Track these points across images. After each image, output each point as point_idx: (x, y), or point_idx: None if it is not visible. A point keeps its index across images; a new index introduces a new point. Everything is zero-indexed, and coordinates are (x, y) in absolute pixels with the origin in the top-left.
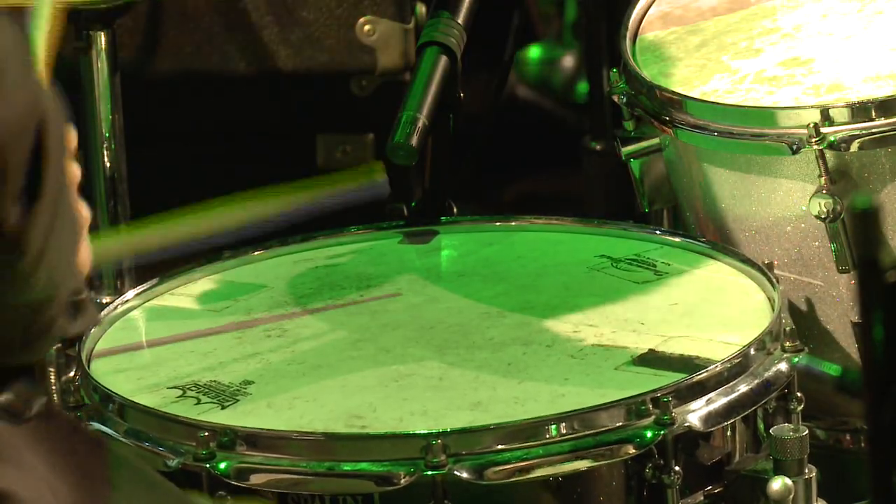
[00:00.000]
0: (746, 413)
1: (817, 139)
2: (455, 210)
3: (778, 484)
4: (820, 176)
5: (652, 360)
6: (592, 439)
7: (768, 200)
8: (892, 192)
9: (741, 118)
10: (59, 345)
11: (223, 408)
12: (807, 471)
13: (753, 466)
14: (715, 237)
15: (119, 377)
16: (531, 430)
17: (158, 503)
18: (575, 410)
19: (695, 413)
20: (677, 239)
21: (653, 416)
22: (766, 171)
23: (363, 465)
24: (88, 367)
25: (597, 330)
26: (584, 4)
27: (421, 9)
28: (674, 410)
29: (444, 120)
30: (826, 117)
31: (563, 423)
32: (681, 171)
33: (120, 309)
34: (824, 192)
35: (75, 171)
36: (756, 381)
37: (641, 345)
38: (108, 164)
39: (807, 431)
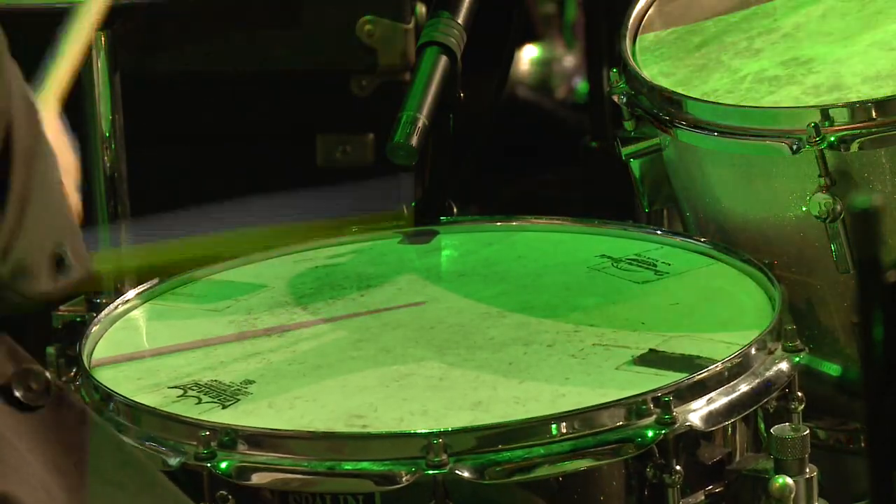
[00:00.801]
0: (747, 413)
1: (817, 139)
2: (455, 210)
3: (779, 483)
4: (820, 176)
5: (653, 359)
6: (593, 439)
7: (768, 200)
8: (892, 192)
9: (741, 118)
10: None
11: (224, 407)
12: (808, 470)
13: (754, 466)
14: (715, 237)
15: (120, 377)
16: (532, 429)
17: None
18: (576, 410)
19: (696, 412)
20: (677, 239)
21: (654, 416)
22: (766, 171)
23: (364, 465)
24: (89, 366)
25: (597, 330)
26: (584, 4)
27: (421, 9)
28: (675, 410)
29: (444, 120)
30: (826, 117)
31: (564, 423)
32: (681, 171)
33: (120, 309)
34: (824, 192)
35: (69, 160)
36: (757, 381)
37: (642, 344)
38: (108, 164)
39: (808, 431)
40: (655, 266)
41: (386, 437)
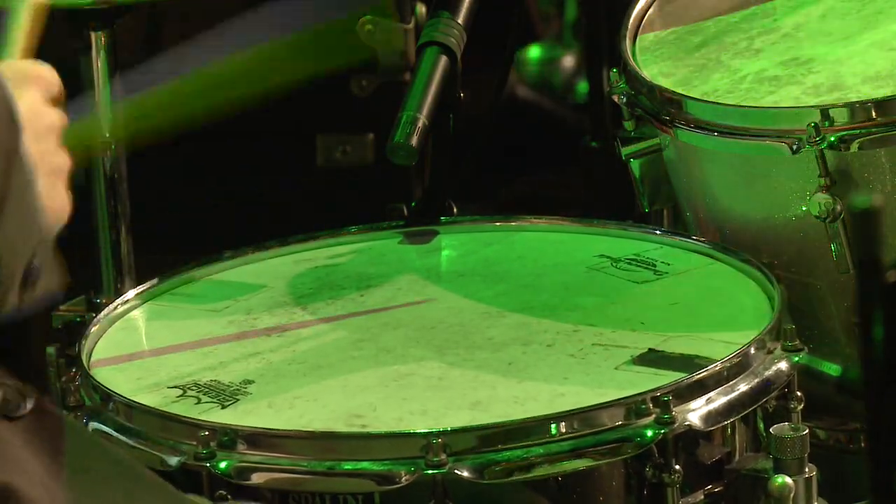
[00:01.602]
0: (746, 412)
1: (817, 139)
2: (455, 210)
3: (778, 483)
4: (820, 176)
5: (652, 359)
6: (592, 438)
7: (768, 200)
8: (893, 192)
9: (741, 118)
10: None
11: (223, 407)
12: (807, 470)
13: (754, 465)
14: (715, 237)
15: (119, 377)
16: (531, 429)
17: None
18: (575, 409)
19: (695, 412)
20: (677, 239)
21: (653, 416)
22: (766, 171)
23: (364, 465)
24: (88, 366)
25: (597, 329)
26: (584, 4)
27: (421, 9)
28: (674, 409)
29: (444, 120)
30: (826, 117)
31: (563, 423)
32: (681, 171)
33: (120, 309)
34: (824, 192)
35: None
36: (756, 381)
37: (641, 344)
38: (108, 164)
39: (807, 430)
40: (655, 266)
41: (385, 437)
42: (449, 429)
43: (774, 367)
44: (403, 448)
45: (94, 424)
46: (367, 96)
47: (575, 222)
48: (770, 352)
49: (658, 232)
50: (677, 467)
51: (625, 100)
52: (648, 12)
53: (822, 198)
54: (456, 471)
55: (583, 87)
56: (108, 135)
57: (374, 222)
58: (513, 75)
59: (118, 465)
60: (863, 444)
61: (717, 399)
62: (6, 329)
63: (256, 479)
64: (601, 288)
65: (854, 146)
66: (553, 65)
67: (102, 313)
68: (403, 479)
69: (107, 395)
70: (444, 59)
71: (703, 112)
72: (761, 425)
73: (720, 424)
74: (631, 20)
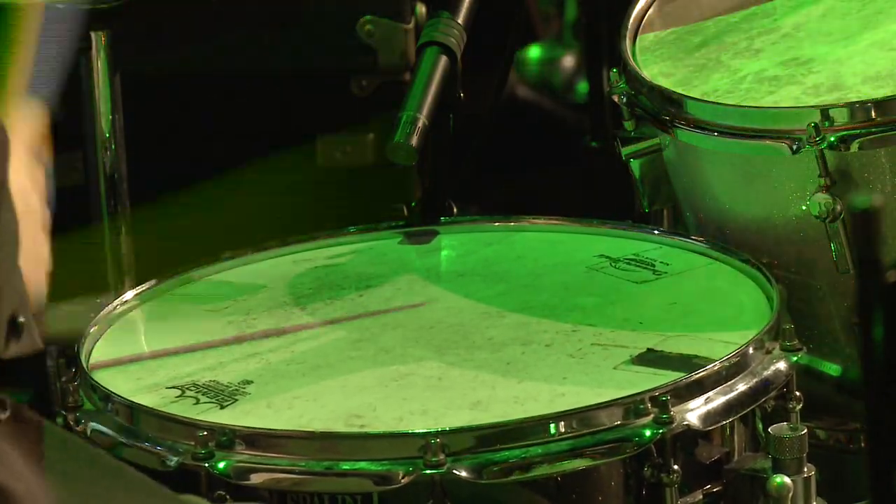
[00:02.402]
0: (745, 412)
1: (817, 139)
2: (455, 210)
3: (777, 482)
4: (820, 176)
5: (651, 359)
6: (591, 438)
7: (768, 200)
8: (893, 192)
9: (741, 118)
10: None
11: (222, 407)
12: (805, 469)
13: (752, 465)
14: (715, 237)
15: (118, 377)
16: (530, 429)
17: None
18: (574, 409)
19: (694, 412)
20: (677, 239)
21: (652, 415)
22: (766, 171)
23: (362, 465)
24: (88, 367)
25: (596, 329)
26: (584, 4)
27: (421, 9)
28: (673, 409)
29: (444, 120)
30: (826, 117)
31: (562, 422)
32: (681, 171)
33: (119, 310)
34: (824, 192)
35: (38, 177)
36: (755, 380)
37: (640, 344)
38: (108, 164)
39: (805, 430)
40: (654, 266)
41: (383, 437)
42: (447, 429)
43: (773, 367)
44: (402, 448)
45: (93, 425)
46: (367, 96)
47: (575, 222)
48: (769, 352)
49: (657, 232)
50: (676, 467)
51: (625, 100)
52: (648, 12)
53: (822, 198)
54: (454, 471)
55: (583, 87)
56: (107, 135)
57: (374, 222)
58: (513, 75)
59: (101, 467)
60: (863, 444)
61: (716, 399)
62: None
63: (255, 479)
64: (600, 288)
65: (854, 146)
66: (553, 65)
67: (101, 314)
68: (402, 479)
69: (106, 396)
70: (444, 59)
71: (702, 112)
72: (760, 425)
73: (719, 424)
74: (631, 20)
